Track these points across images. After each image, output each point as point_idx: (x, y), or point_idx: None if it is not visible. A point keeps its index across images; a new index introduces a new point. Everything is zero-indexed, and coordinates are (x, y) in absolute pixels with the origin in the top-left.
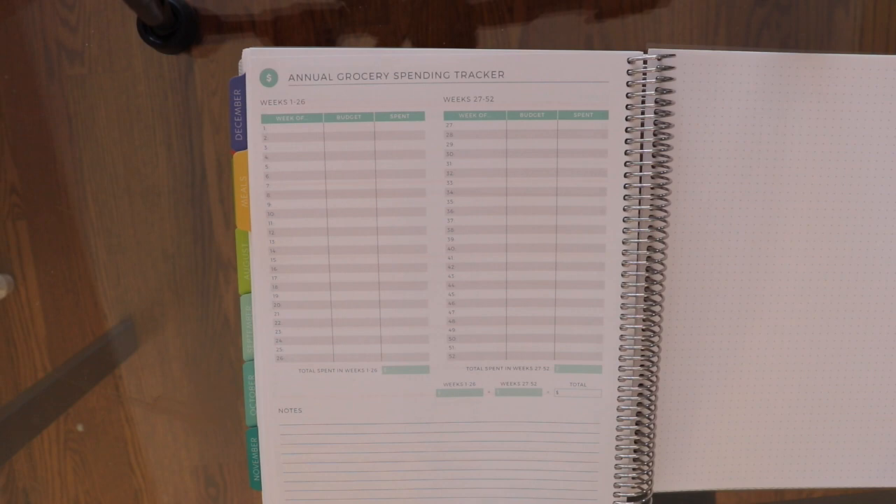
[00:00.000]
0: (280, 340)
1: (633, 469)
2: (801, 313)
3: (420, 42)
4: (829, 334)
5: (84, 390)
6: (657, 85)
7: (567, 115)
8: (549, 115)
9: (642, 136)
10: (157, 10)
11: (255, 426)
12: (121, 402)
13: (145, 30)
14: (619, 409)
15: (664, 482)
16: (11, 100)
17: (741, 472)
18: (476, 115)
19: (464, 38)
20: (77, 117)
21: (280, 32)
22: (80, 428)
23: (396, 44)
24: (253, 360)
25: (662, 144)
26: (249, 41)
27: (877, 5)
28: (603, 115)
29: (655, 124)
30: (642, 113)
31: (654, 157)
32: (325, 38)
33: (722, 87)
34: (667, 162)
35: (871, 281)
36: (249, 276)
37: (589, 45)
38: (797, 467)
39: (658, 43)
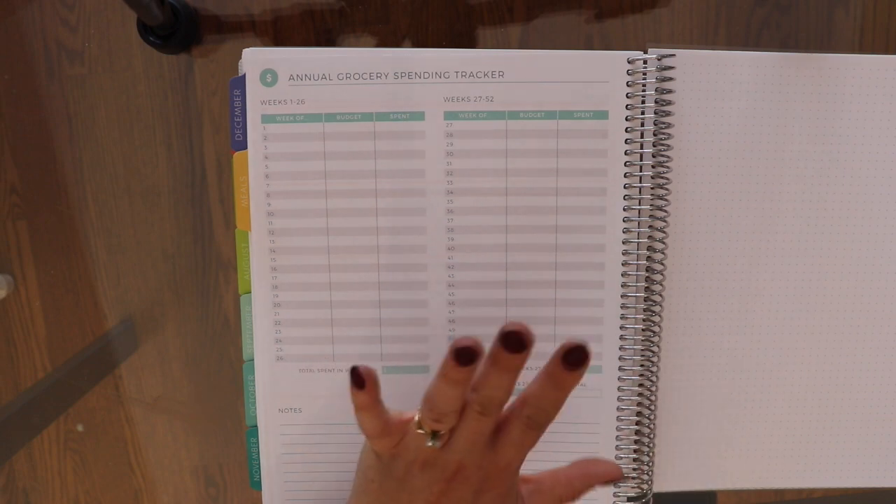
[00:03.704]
0: (280, 340)
1: (634, 469)
2: (801, 313)
3: (420, 42)
4: (829, 334)
5: (84, 390)
6: (657, 85)
7: (567, 114)
8: (550, 114)
9: (642, 137)
10: (157, 10)
11: (255, 426)
12: (121, 402)
13: (145, 30)
14: (619, 409)
15: (664, 482)
16: (11, 100)
17: (741, 472)
18: (476, 115)
19: (464, 38)
20: (77, 117)
21: (280, 32)
22: (80, 428)
23: (396, 44)
24: (253, 360)
25: (662, 144)
26: (249, 41)
27: (877, 5)
28: (603, 115)
29: (655, 124)
30: (642, 113)
31: (654, 156)
32: (325, 38)
33: (722, 87)
34: (667, 162)
35: (871, 281)
36: (249, 276)
37: (589, 45)
38: (797, 467)
39: (658, 43)
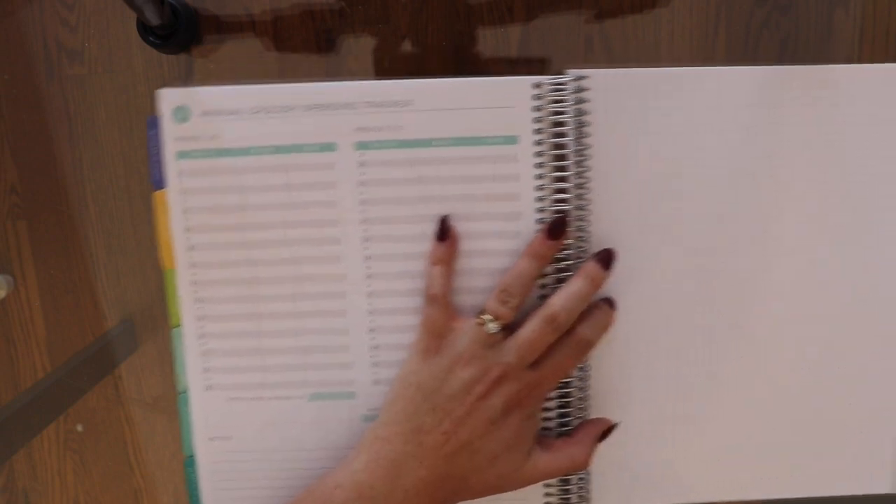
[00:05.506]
0: (208, 370)
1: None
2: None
3: (420, 42)
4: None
5: (84, 390)
6: (572, 107)
7: (476, 141)
8: (459, 141)
9: (562, 160)
10: (157, 11)
11: (192, 456)
12: (121, 402)
13: (145, 30)
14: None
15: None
16: (11, 100)
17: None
18: (387, 144)
19: (464, 38)
20: (77, 117)
21: (280, 32)
22: (79, 428)
23: (396, 44)
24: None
25: (582, 166)
26: (249, 41)
27: (877, 5)
28: (512, 140)
29: (569, 146)
30: (553, 136)
31: (567, 181)
32: (325, 37)
33: (639, 107)
34: (586, 184)
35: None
36: (177, 310)
37: (589, 46)
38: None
39: (648, 47)
